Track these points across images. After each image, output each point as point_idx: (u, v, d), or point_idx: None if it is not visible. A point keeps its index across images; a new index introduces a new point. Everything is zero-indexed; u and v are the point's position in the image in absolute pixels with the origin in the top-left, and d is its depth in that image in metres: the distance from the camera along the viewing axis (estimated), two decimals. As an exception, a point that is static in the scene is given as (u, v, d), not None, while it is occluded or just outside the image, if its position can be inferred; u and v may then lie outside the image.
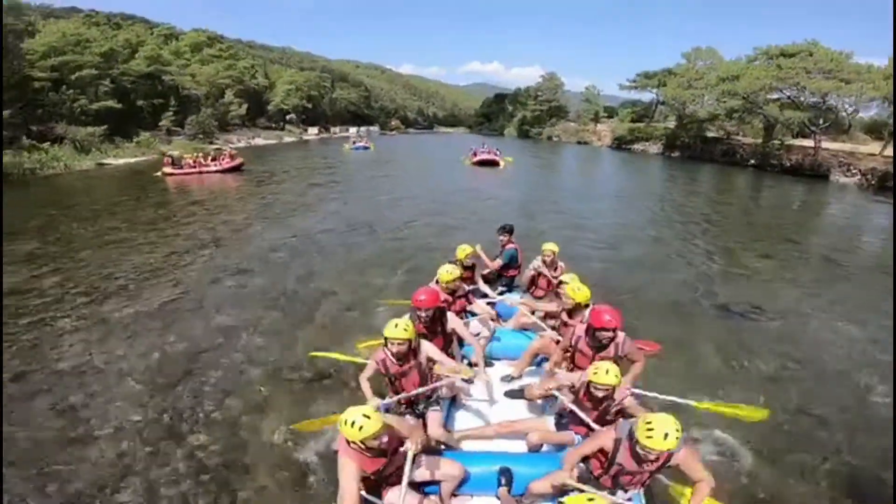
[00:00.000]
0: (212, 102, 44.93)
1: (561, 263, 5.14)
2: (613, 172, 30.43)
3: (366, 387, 3.20)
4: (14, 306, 6.72)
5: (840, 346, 6.08)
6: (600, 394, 2.87)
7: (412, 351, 3.14)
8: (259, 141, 48.05)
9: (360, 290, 7.52)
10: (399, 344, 3.03)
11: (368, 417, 2.27)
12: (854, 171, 25.90)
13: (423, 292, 3.62)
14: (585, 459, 2.66)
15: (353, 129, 73.39)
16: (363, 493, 2.41)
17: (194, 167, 21.10)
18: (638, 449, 2.31)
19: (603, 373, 2.82)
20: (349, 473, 2.35)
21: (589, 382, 2.89)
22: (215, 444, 3.96)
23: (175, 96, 40.38)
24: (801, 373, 5.38)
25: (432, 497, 2.65)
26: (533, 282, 5.25)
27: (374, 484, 2.50)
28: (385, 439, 2.37)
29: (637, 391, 3.28)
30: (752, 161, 31.57)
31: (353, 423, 2.25)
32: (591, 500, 1.93)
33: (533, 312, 4.55)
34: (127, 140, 31.33)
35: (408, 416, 3.18)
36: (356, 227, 12.01)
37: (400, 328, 3.01)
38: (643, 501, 2.63)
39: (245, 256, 9.45)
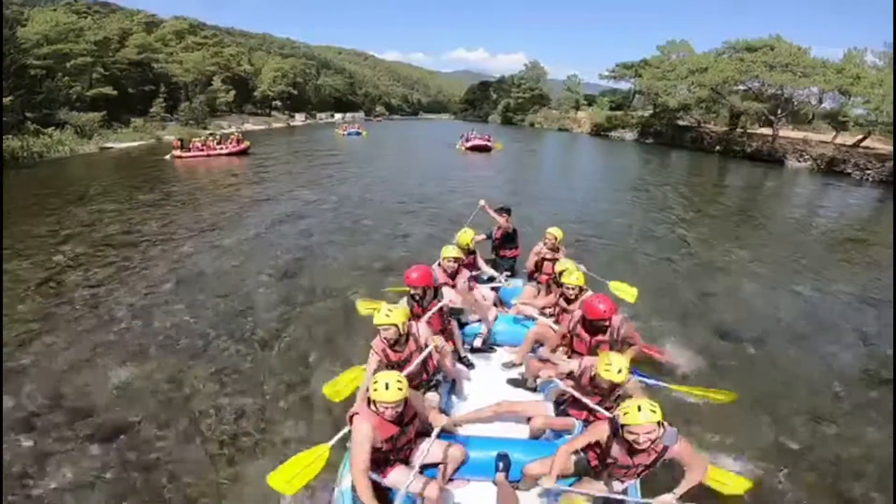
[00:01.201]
0: (200, 89, 45.50)
1: (563, 248, 5.12)
2: (590, 157, 32.43)
3: (368, 381, 3.14)
4: (143, 240, 9.21)
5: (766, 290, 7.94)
6: (605, 385, 2.89)
7: (408, 335, 3.17)
8: (248, 126, 48.66)
9: (389, 233, 10.17)
10: (385, 329, 3.04)
11: (400, 383, 2.43)
12: (806, 157, 28.48)
13: (415, 270, 3.65)
14: (584, 449, 2.65)
15: (338, 116, 74.10)
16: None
17: (202, 150, 22.17)
18: (622, 434, 2.33)
19: (615, 371, 2.78)
20: (363, 435, 2.44)
21: (596, 374, 2.89)
22: (331, 308, 6.30)
23: (165, 84, 40.95)
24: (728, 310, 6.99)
25: (433, 479, 2.66)
26: (537, 267, 5.15)
27: (380, 460, 2.56)
28: (401, 409, 2.49)
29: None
30: (718, 147, 33.97)
31: (385, 385, 2.40)
32: None
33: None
34: (122, 126, 32.11)
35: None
36: (375, 195, 14.07)
37: (382, 314, 3.03)
38: (639, 492, 2.63)
39: (293, 209, 11.93)
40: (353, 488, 2.43)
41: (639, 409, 2.24)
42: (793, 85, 29.77)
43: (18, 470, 3.48)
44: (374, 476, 2.51)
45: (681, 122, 39.82)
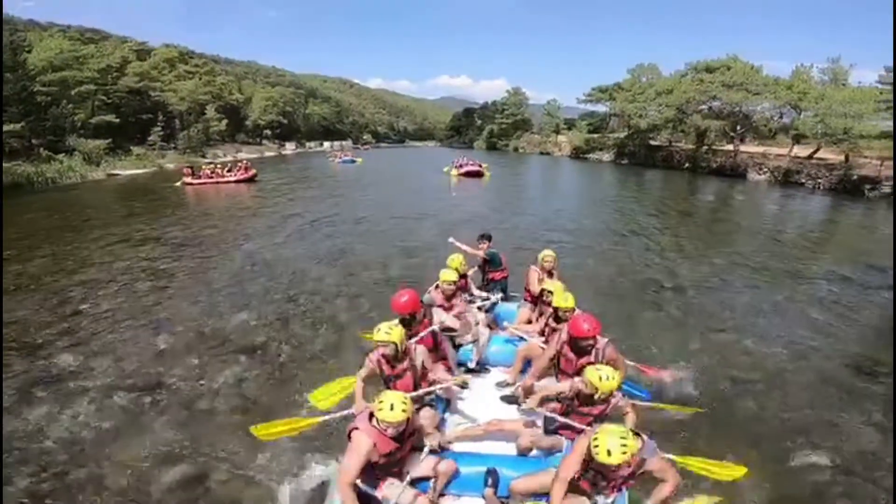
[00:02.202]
0: (195, 118, 47.21)
1: (555, 270, 5.14)
2: (571, 179, 34.57)
3: (359, 391, 3.36)
4: (206, 243, 11.28)
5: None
6: (593, 393, 2.90)
7: (404, 353, 3.25)
8: (242, 155, 49.75)
9: (403, 236, 12.17)
10: (383, 345, 3.15)
11: (405, 404, 2.52)
12: (765, 170, 31.14)
13: (402, 295, 3.67)
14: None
15: (326, 144, 76.02)
16: (359, 482, 2.54)
17: (211, 177, 23.43)
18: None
19: (603, 378, 2.85)
20: (362, 449, 2.52)
21: (586, 386, 2.92)
22: (369, 281, 8.34)
23: (162, 112, 42.53)
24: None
25: (425, 494, 2.73)
26: (540, 294, 4.89)
27: (375, 474, 2.63)
28: (403, 428, 2.58)
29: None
30: (687, 164, 36.67)
31: (391, 406, 2.49)
32: None
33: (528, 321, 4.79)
34: (124, 154, 33.36)
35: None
36: (384, 211, 15.93)
37: (382, 332, 3.14)
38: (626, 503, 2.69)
39: (318, 221, 13.99)
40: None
41: (608, 452, 2.25)
42: (747, 102, 32.70)
43: (193, 379, 5.15)
44: (367, 488, 2.58)
45: (653, 143, 42.57)
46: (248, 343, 5.95)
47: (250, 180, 24.24)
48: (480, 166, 29.13)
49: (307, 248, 10.97)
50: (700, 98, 34.52)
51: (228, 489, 3.48)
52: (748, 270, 9.75)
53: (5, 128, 23.60)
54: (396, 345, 3.16)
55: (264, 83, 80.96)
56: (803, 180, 28.40)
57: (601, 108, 56.28)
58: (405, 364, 3.25)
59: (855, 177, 25.76)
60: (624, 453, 2.25)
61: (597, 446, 2.29)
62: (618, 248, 11.37)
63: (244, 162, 26.90)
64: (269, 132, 66.45)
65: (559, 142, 58.76)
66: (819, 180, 27.55)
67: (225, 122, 52.66)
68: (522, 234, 12.20)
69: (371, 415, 2.57)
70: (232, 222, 14.17)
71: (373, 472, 2.60)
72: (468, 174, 28.44)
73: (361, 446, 2.51)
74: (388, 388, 3.23)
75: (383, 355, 3.21)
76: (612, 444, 2.25)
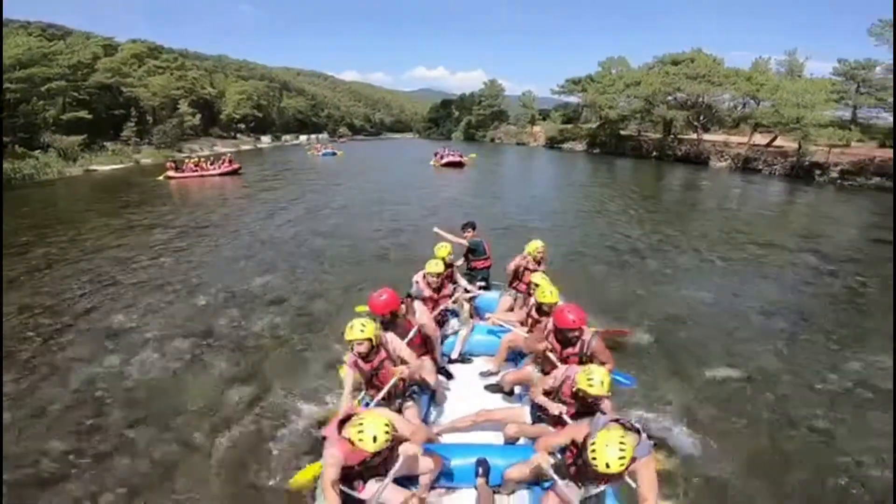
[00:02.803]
0: (167, 113, 46.55)
1: (544, 261, 5.21)
2: (546, 167, 35.93)
3: (346, 399, 3.27)
4: (213, 226, 12.48)
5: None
6: (587, 398, 2.85)
7: (379, 346, 3.21)
8: (218, 149, 49.35)
9: (392, 216, 13.55)
10: (359, 344, 3.10)
11: (387, 434, 2.38)
12: (726, 157, 33.14)
13: (381, 294, 3.62)
14: (562, 450, 2.67)
15: (303, 137, 75.70)
16: (342, 486, 2.49)
17: (195, 171, 23.61)
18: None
19: (598, 384, 2.78)
20: (333, 462, 2.44)
21: (579, 390, 2.85)
22: (365, 251, 9.93)
23: (135, 107, 41.88)
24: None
25: (412, 490, 2.67)
26: (516, 275, 5.18)
27: (354, 475, 2.57)
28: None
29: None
30: (654, 153, 38.51)
31: (373, 438, 2.34)
32: None
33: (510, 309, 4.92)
34: (98, 149, 32.91)
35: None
36: (373, 198, 16.90)
37: (356, 329, 3.07)
38: (617, 495, 2.69)
39: (313, 207, 15.23)
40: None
41: (607, 465, 2.18)
42: (709, 93, 34.62)
43: (236, 326, 6.17)
44: (350, 490, 2.53)
45: (623, 132, 44.29)
46: (274, 298, 7.22)
47: (234, 173, 24.52)
48: (461, 157, 29.82)
49: (306, 228, 12.24)
50: (666, 89, 36.29)
51: (286, 403, 4.43)
52: (695, 240, 11.46)
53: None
54: (371, 341, 3.13)
55: (236, 77, 79.43)
56: (760, 167, 30.36)
57: (574, 100, 57.86)
58: (382, 355, 3.22)
59: (807, 163, 27.79)
60: (622, 465, 2.20)
61: (595, 459, 2.22)
62: (587, 226, 12.86)
63: (228, 155, 27.14)
64: (243, 126, 65.77)
65: (534, 132, 60.10)
66: (774, 166, 29.55)
67: (199, 116, 52.00)
68: (501, 219, 13.20)
69: (342, 423, 2.51)
70: (228, 209, 15.06)
71: (354, 475, 2.56)
72: (449, 164, 29.10)
73: (329, 459, 2.46)
74: (371, 383, 3.28)
75: (359, 354, 3.17)
76: (611, 455, 2.19)
